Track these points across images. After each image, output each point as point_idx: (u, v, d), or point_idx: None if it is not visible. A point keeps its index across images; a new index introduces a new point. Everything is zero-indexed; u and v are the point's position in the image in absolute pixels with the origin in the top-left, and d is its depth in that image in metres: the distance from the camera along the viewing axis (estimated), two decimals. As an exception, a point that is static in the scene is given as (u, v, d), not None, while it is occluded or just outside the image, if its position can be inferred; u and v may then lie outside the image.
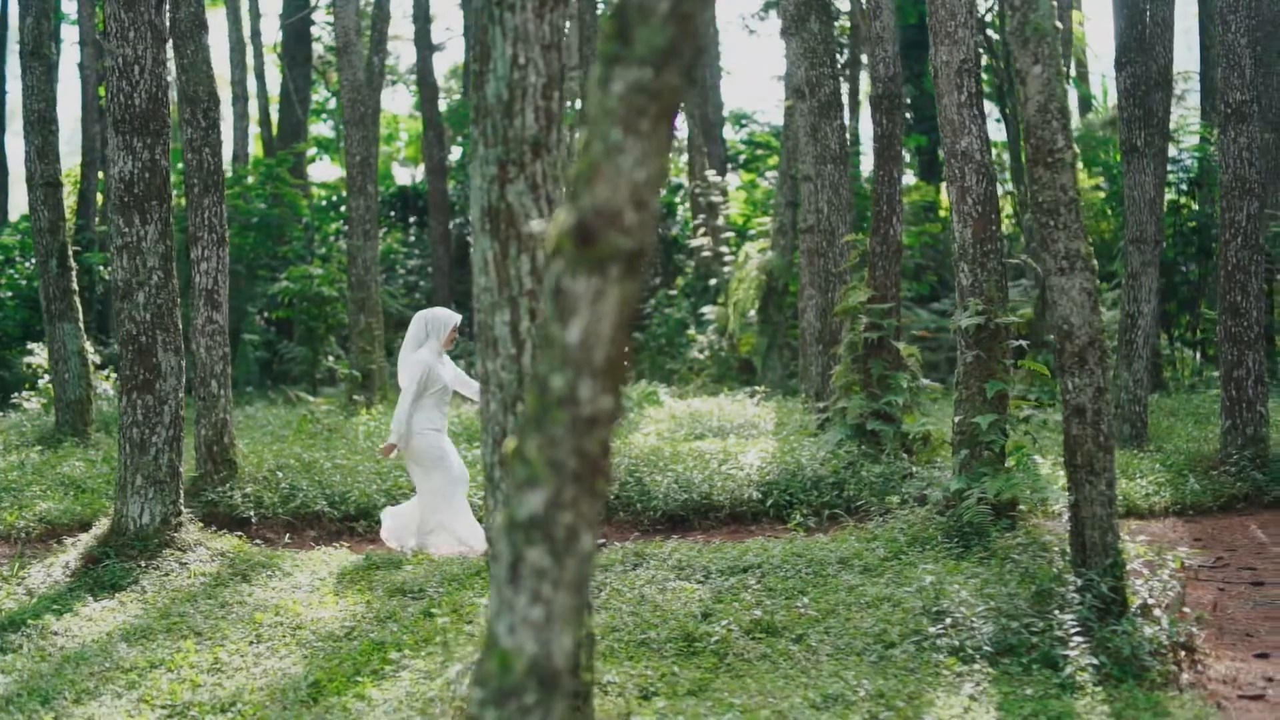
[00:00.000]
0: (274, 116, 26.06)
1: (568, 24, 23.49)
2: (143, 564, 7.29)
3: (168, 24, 8.07)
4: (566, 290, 2.39)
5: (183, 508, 7.79)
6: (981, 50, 19.01)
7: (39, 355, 14.58)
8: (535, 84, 4.08)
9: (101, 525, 7.70)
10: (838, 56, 19.91)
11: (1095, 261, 5.61)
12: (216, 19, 28.08)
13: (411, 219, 26.42)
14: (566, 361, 2.38)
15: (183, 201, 10.02)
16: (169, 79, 7.86)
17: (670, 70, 2.40)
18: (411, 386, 7.97)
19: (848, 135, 14.62)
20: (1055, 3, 5.64)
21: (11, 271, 19.99)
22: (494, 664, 2.38)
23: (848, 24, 21.78)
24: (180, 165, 10.82)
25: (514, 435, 2.49)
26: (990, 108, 21.69)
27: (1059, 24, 5.61)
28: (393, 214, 26.28)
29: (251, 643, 5.94)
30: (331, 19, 22.88)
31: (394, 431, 7.94)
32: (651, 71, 2.39)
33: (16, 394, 15.32)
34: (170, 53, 9.05)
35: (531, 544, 2.39)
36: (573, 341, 2.38)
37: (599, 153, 2.40)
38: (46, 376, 13.85)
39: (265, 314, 21.40)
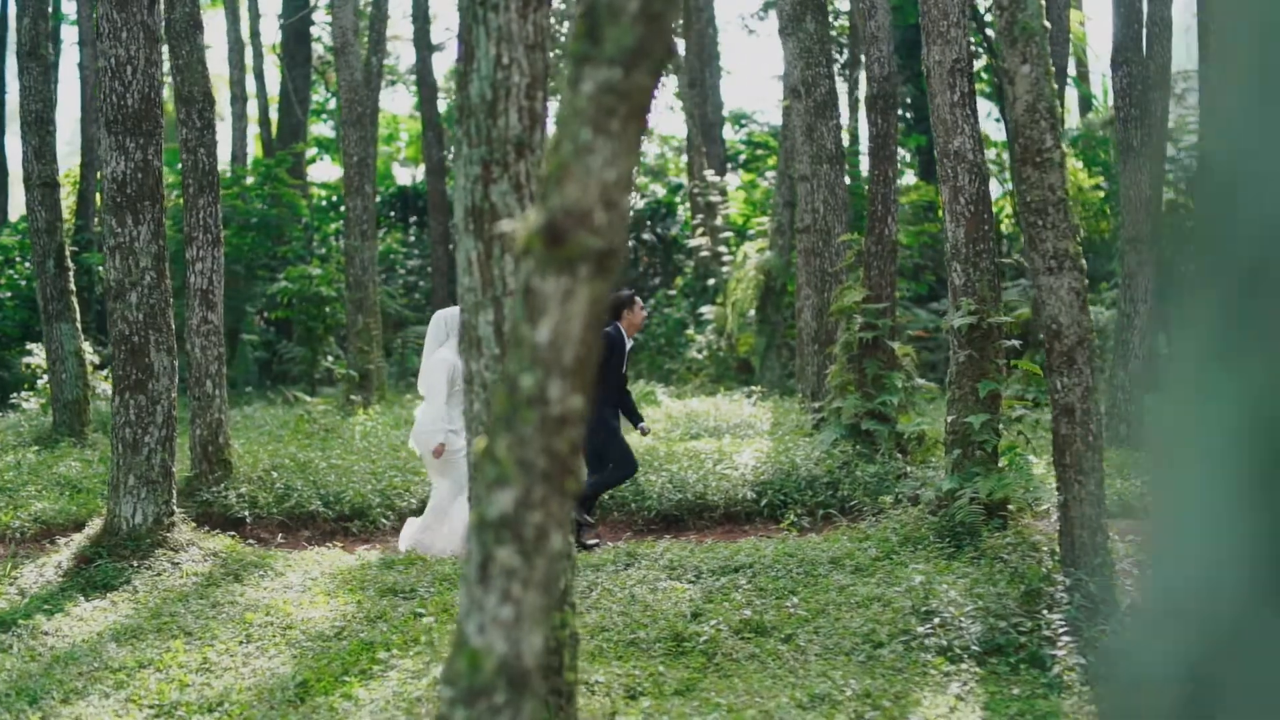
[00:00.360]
0: (273, 117, 26.07)
1: (565, 24, 23.49)
2: (135, 564, 7.30)
3: (161, 24, 8.07)
4: (536, 290, 2.39)
5: (176, 507, 7.80)
6: (981, 49, 19.03)
7: (37, 355, 14.58)
8: (519, 84, 4.08)
9: (94, 525, 7.71)
10: (837, 56, 19.89)
11: (1084, 261, 5.60)
12: (216, 19, 28.11)
13: (411, 219, 26.42)
14: (536, 361, 2.38)
15: (180, 201, 10.00)
16: (164, 79, 7.86)
17: (640, 70, 2.40)
18: (441, 386, 7.89)
19: (845, 135, 14.60)
20: (1044, 2, 5.63)
21: (11, 272, 20.00)
22: (463, 663, 2.38)
23: (847, 24, 21.76)
24: (179, 165, 10.82)
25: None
26: (990, 107, 21.66)
27: (1047, 23, 5.60)
28: (392, 214, 26.28)
29: (241, 642, 5.94)
30: (330, 19, 22.88)
31: (438, 432, 7.86)
32: (621, 71, 2.39)
33: (15, 394, 15.34)
34: (166, 53, 9.05)
35: (501, 543, 2.39)
36: (542, 341, 2.38)
37: (569, 153, 2.40)
38: (44, 377, 13.86)
39: (264, 314, 21.41)
